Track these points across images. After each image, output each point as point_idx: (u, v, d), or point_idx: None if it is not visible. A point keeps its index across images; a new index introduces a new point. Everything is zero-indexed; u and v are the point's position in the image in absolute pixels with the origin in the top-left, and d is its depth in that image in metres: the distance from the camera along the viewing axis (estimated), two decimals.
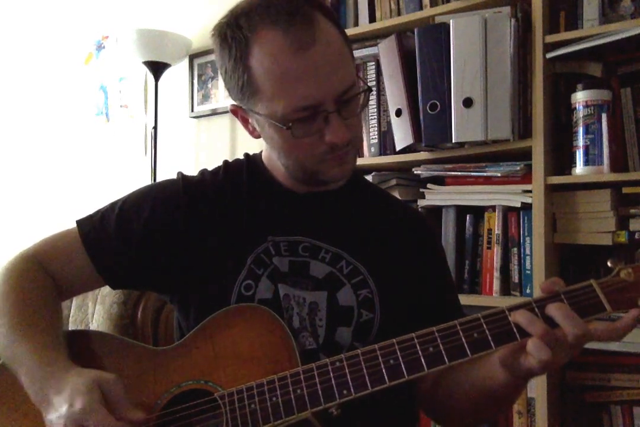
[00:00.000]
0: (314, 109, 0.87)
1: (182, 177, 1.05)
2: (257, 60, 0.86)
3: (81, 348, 0.99)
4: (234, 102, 0.96)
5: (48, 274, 1.01)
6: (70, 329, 1.46)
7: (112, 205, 1.04)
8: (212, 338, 0.92)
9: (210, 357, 0.91)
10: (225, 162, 1.09)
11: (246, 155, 1.10)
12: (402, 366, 0.80)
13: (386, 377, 0.80)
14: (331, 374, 0.81)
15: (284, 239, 0.98)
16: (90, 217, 1.04)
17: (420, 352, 0.80)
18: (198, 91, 2.68)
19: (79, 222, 1.03)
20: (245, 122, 0.98)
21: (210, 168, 1.10)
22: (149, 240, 1.00)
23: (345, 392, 0.80)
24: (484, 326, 0.79)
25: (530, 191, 1.65)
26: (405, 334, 0.83)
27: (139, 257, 1.00)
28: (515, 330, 0.78)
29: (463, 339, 0.79)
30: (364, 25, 1.99)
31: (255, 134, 0.98)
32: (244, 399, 0.84)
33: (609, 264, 0.83)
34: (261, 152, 1.08)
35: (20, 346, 0.91)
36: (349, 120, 0.90)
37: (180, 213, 1.00)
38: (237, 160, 1.09)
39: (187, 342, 0.95)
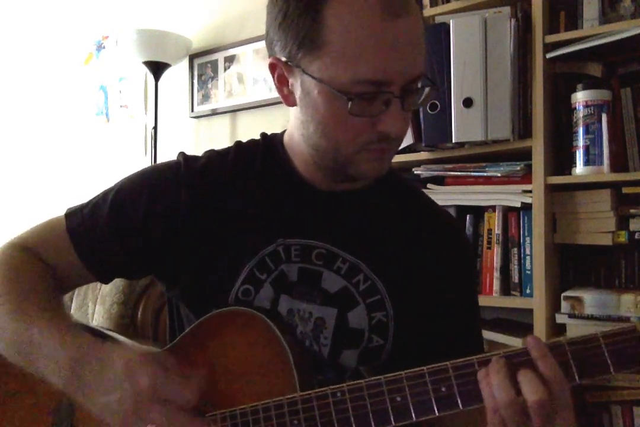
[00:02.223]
0: (380, 88, 0.75)
1: (184, 160, 0.92)
2: (336, 13, 0.73)
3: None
4: (279, 57, 0.81)
5: (43, 262, 0.90)
6: None
7: (104, 195, 0.93)
8: (202, 347, 0.84)
9: (201, 369, 0.81)
10: (238, 143, 0.96)
11: (263, 135, 0.96)
12: (411, 406, 0.71)
13: (392, 418, 0.71)
14: (332, 408, 0.74)
15: (296, 242, 0.87)
16: (80, 209, 0.92)
17: (431, 393, 0.70)
18: (198, 91, 2.68)
19: (67, 214, 0.93)
20: (281, 84, 0.83)
21: None
22: (145, 233, 0.89)
23: None
24: None
25: (530, 191, 1.65)
26: (416, 362, 0.73)
27: (132, 252, 0.90)
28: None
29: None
30: None
31: (289, 101, 0.84)
32: (237, 425, 0.78)
33: None
34: (282, 133, 0.94)
35: (37, 332, 0.78)
36: (405, 113, 0.79)
37: (180, 205, 0.88)
38: (251, 142, 0.96)
39: (177, 348, 0.87)
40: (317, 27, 0.74)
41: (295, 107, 0.84)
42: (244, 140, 0.98)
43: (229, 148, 0.95)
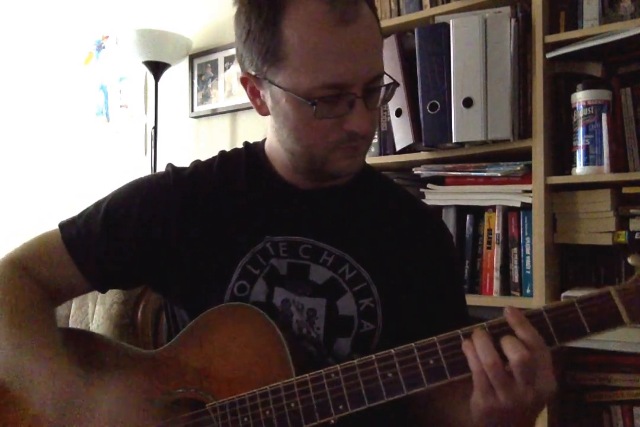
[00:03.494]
0: (341, 90, 0.80)
1: (172, 171, 0.98)
2: (292, 26, 0.79)
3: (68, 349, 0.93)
4: (249, 71, 0.87)
5: (35, 280, 0.94)
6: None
7: (97, 205, 0.97)
8: (201, 342, 0.88)
9: (201, 363, 0.87)
10: (222, 152, 1.01)
11: (246, 144, 1.02)
12: (401, 380, 0.75)
13: (384, 393, 0.75)
14: (326, 388, 0.77)
15: (283, 238, 0.92)
16: (73, 221, 0.97)
17: (420, 366, 0.75)
18: (198, 91, 2.68)
19: (61, 226, 0.96)
20: (254, 95, 0.89)
21: None
22: (139, 242, 0.93)
23: (341, 407, 0.77)
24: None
25: (530, 191, 1.65)
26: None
27: (128, 260, 0.94)
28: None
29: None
30: None
31: (263, 110, 0.90)
32: (236, 412, 0.81)
33: (629, 261, 0.75)
34: (263, 141, 1.00)
35: (25, 359, 0.86)
36: (370, 111, 0.84)
37: (171, 211, 0.93)
38: (235, 151, 1.02)
39: (177, 344, 0.91)
40: (276, 41, 0.80)
41: (269, 116, 0.90)
42: (244, 140, 1.04)
43: (213, 157, 1.01)
